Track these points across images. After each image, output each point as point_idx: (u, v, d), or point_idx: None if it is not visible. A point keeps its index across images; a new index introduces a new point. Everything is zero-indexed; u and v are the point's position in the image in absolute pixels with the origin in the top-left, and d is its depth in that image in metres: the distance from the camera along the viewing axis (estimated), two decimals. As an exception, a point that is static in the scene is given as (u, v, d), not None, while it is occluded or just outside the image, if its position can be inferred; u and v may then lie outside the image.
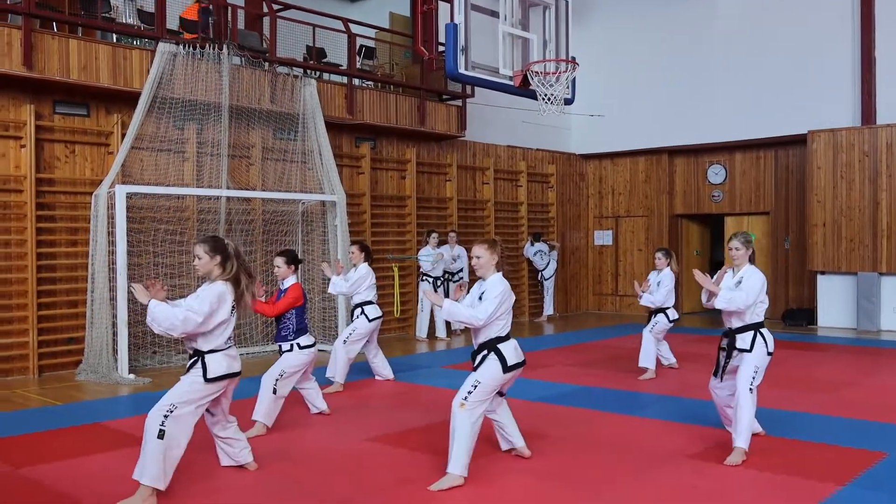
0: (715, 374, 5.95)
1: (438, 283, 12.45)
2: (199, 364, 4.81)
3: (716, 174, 15.67)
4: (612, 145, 16.57)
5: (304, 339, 6.67)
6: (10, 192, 9.12)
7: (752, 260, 6.07)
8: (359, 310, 8.42)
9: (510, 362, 5.19)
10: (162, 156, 10.06)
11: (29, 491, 4.98)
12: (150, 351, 9.72)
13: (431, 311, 12.51)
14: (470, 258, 5.44)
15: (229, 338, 4.94)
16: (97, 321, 9.08)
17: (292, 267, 6.74)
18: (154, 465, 4.58)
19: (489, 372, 5.17)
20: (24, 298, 9.10)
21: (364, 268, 8.44)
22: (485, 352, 5.22)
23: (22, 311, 9.09)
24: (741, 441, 5.52)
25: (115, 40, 9.86)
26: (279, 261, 6.74)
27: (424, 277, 12.39)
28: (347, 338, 8.32)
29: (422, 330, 12.51)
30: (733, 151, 15.41)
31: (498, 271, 5.31)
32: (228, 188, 10.44)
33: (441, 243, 12.91)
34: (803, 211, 14.25)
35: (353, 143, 12.75)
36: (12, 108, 9.18)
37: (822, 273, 13.63)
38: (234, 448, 5.34)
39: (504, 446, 5.74)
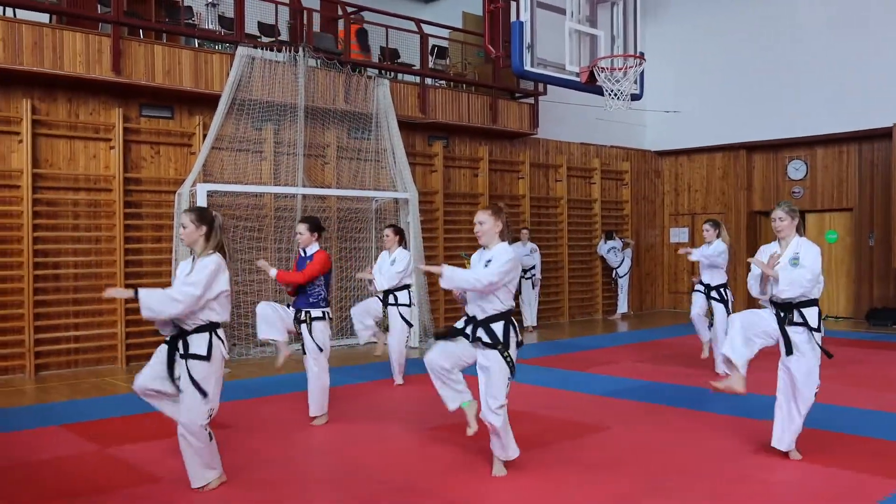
0: (788, 353, 5.30)
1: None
2: (203, 346, 4.65)
3: (796, 170, 15.29)
4: (688, 141, 16.34)
5: (331, 312, 6.62)
6: (101, 192, 9.64)
7: (800, 231, 5.45)
8: (405, 292, 8.15)
9: (520, 337, 5.02)
10: (241, 155, 10.45)
11: (113, 468, 5.32)
12: (230, 343, 10.10)
13: None
14: (473, 224, 5.14)
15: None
16: (180, 314, 9.49)
17: (315, 234, 6.56)
18: (213, 459, 4.83)
19: (514, 353, 4.96)
20: (112, 292, 9.58)
21: (404, 253, 8.13)
22: (502, 323, 4.88)
23: (111, 304, 9.59)
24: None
25: (196, 45, 10.29)
26: (301, 227, 6.54)
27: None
28: (408, 336, 8.31)
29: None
30: (814, 146, 15.00)
31: (503, 240, 5.04)
32: (304, 186, 10.78)
33: (514, 240, 13.00)
34: (889, 207, 13.76)
35: (426, 142, 12.95)
36: (102, 112, 9.69)
37: (909, 271, 13.19)
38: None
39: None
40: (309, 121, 10.88)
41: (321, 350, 6.50)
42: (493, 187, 13.81)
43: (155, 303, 4.48)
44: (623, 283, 15.45)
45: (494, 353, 4.87)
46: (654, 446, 5.82)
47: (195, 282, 4.57)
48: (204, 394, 4.61)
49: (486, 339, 4.87)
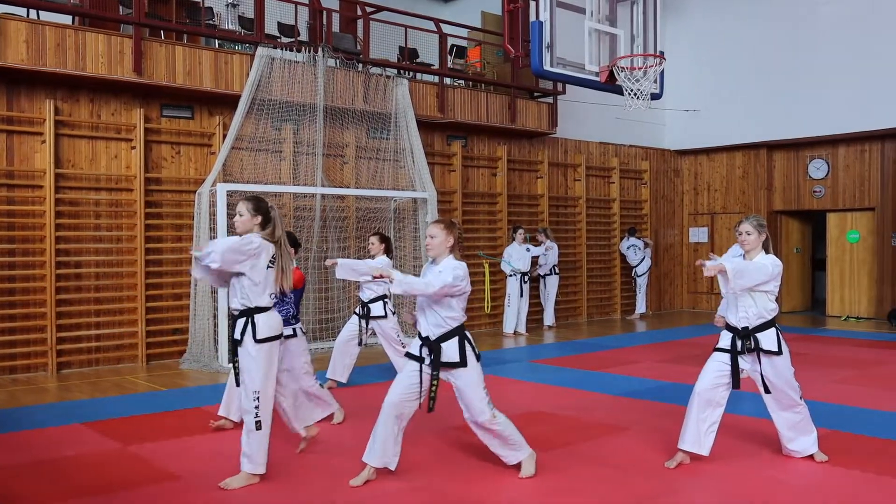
0: (735, 386, 5.25)
1: (525, 278, 12.53)
2: (248, 328, 4.84)
3: (817, 169, 15.17)
4: (708, 140, 16.23)
5: (302, 325, 6.54)
6: (122, 192, 9.72)
7: (767, 249, 5.26)
8: (380, 304, 7.90)
9: (477, 350, 4.99)
10: (260, 155, 10.50)
11: (134, 466, 5.36)
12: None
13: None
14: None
15: (272, 294, 4.99)
16: (199, 313, 9.57)
17: (292, 250, 6.34)
18: (259, 454, 4.90)
19: (476, 366, 4.93)
20: (133, 291, 9.67)
21: (384, 260, 7.88)
22: (455, 339, 4.85)
23: (132, 302, 9.67)
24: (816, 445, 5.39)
25: (217, 46, 10.35)
26: None
27: (513, 272, 12.42)
28: (399, 345, 8.00)
29: (509, 325, 12.58)
30: (836, 145, 14.88)
31: (451, 254, 4.94)
32: (323, 186, 10.81)
33: (533, 240, 13.01)
34: (911, 206, 13.66)
35: (445, 142, 12.96)
36: (124, 112, 9.77)
37: (932, 271, 13.04)
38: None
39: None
40: (328, 121, 10.91)
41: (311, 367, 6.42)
42: (512, 187, 13.80)
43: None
44: (641, 283, 15.38)
45: (460, 371, 4.86)
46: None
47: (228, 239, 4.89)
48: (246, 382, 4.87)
49: (448, 359, 4.84)
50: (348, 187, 11.28)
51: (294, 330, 6.33)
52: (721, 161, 16.48)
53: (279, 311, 6.25)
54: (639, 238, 15.32)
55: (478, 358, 4.96)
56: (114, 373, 9.14)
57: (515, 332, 12.54)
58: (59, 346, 9.17)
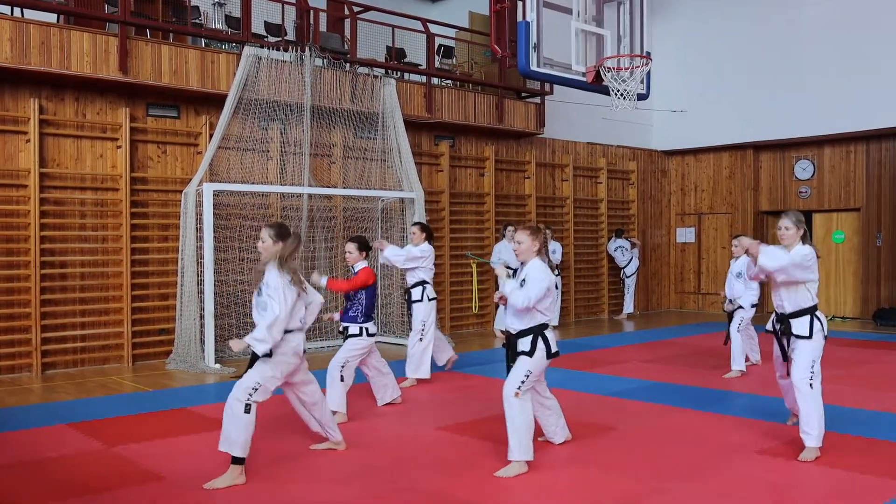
0: (785, 359, 5.64)
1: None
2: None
3: (803, 169, 15.25)
4: (695, 141, 16.29)
5: (372, 327, 6.84)
6: (107, 191, 9.66)
7: (805, 242, 5.53)
8: (419, 289, 8.36)
9: (553, 349, 5.32)
10: (247, 155, 10.46)
11: (119, 467, 5.33)
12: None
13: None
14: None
15: (300, 319, 5.25)
16: (186, 313, 9.52)
17: (363, 253, 6.95)
18: (242, 436, 4.93)
19: (539, 359, 5.29)
20: (119, 291, 9.62)
21: (427, 246, 8.40)
22: (529, 336, 5.30)
23: (117, 303, 9.61)
24: (812, 441, 5.43)
25: (203, 45, 10.31)
26: (350, 246, 6.95)
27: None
28: (422, 334, 8.30)
29: (499, 324, 12.57)
30: (822, 146, 14.96)
31: (537, 257, 5.35)
32: (310, 186, 10.79)
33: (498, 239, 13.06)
34: (896, 207, 13.75)
35: (433, 142, 12.95)
36: (109, 112, 9.71)
37: (916, 271, 13.12)
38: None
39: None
40: (315, 120, 10.88)
41: (346, 363, 6.77)
42: (499, 187, 13.81)
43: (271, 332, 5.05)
44: (630, 283, 15.42)
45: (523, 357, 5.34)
46: (661, 446, 5.81)
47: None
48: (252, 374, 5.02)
49: (522, 348, 5.35)
50: (336, 187, 11.26)
51: (360, 329, 6.74)
52: (708, 161, 16.54)
53: (349, 309, 6.79)
54: (626, 239, 15.35)
55: (548, 355, 5.33)
56: (99, 373, 9.09)
57: (504, 332, 12.52)
58: (43, 347, 9.10)
